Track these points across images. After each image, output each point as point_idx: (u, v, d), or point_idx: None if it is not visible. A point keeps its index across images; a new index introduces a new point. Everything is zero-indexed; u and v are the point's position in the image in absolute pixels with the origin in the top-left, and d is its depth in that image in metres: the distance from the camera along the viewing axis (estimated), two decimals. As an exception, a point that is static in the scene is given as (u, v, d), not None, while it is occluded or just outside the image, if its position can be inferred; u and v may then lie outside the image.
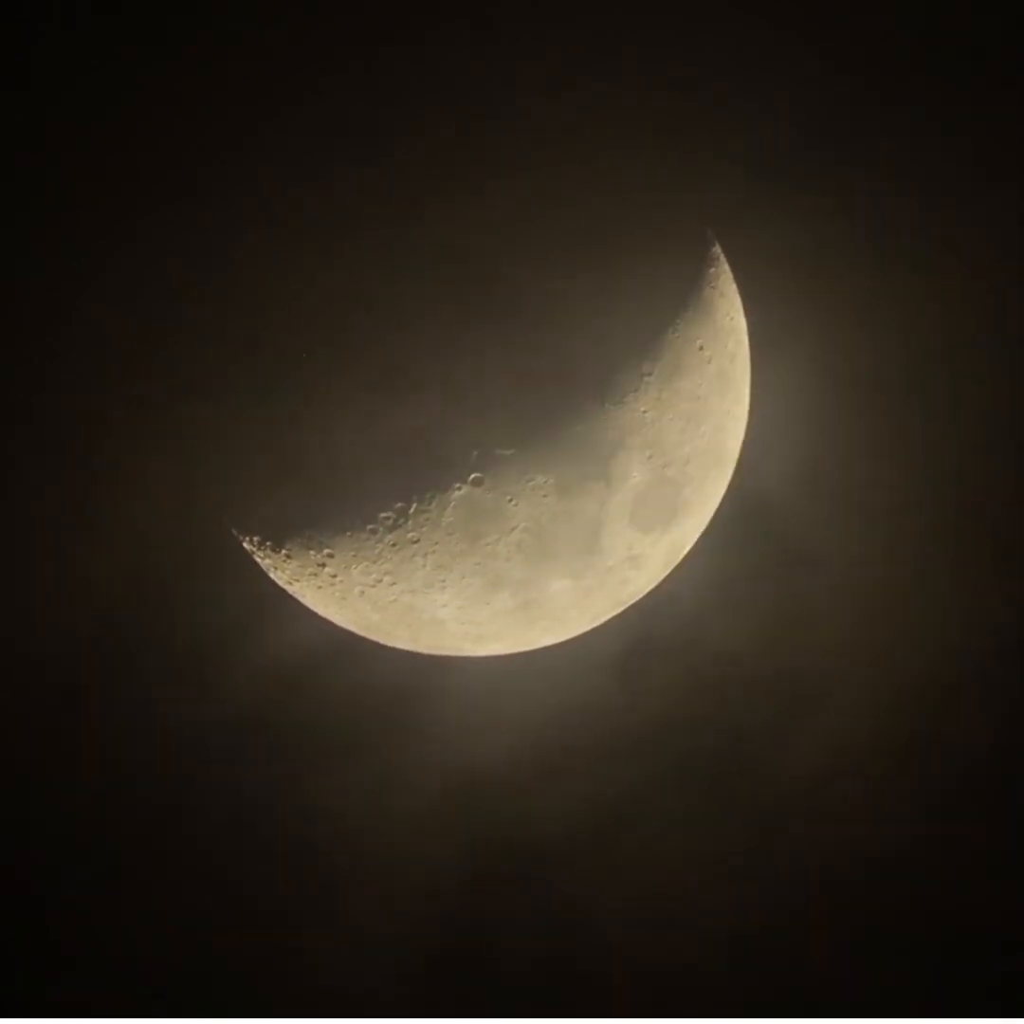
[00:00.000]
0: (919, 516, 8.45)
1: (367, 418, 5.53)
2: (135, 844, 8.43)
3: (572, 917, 8.85)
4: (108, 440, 7.76)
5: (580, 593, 6.12)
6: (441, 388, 5.46)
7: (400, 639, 6.51)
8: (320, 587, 6.23)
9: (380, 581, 5.97)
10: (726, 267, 6.40)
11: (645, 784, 8.65)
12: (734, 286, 6.49)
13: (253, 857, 8.54)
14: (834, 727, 8.65)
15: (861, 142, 7.87)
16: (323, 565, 6.03)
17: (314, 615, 6.73)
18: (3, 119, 7.25)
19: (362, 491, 5.66)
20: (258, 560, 6.49)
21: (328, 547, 5.92)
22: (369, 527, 5.75)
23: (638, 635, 8.08)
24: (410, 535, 5.73)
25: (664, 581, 6.71)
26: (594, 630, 6.77)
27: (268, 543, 6.21)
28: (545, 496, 5.66)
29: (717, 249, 6.33)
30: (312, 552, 6.00)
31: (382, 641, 6.62)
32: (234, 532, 6.48)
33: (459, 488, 5.60)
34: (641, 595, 6.64)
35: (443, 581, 5.90)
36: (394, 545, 5.78)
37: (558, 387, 5.54)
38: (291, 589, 6.56)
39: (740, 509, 7.52)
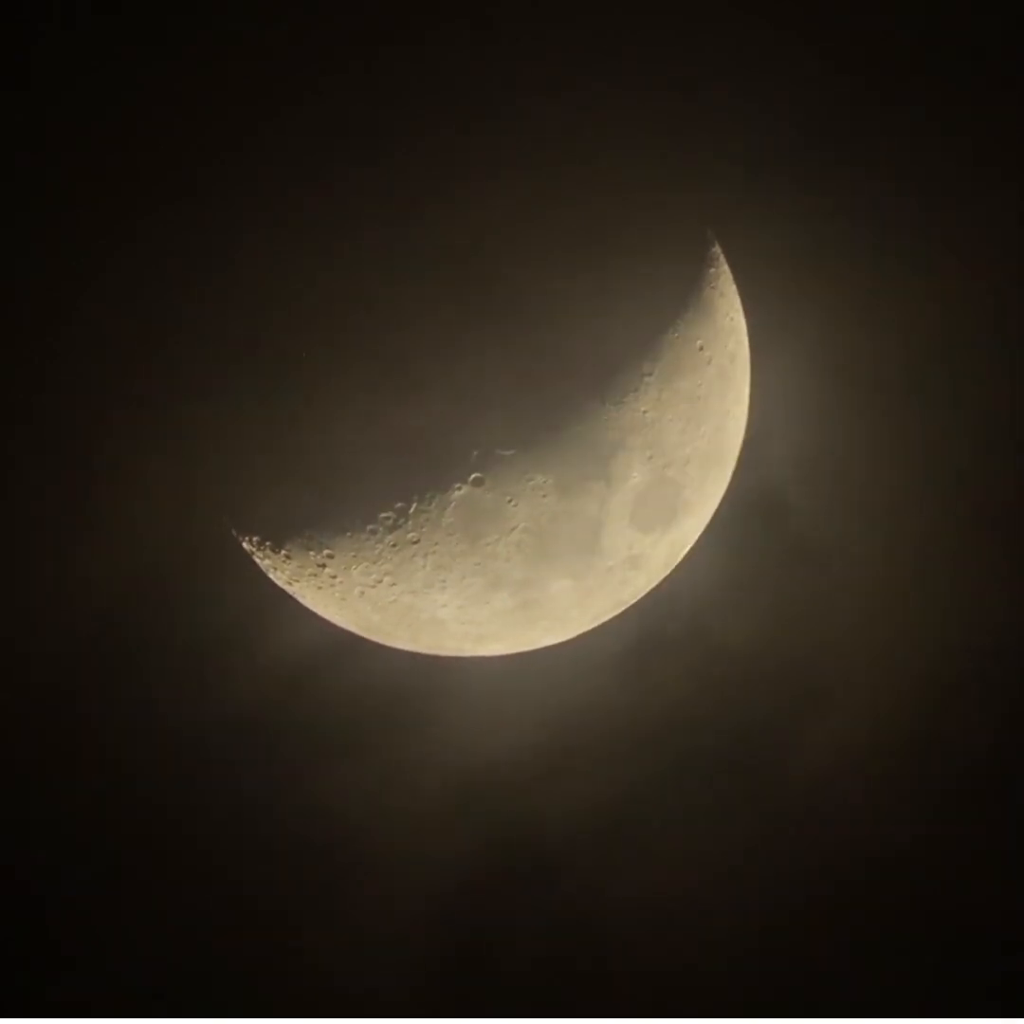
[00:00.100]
0: (919, 516, 8.45)
1: (367, 418, 5.52)
2: (135, 844, 8.43)
3: (572, 917, 8.86)
4: (108, 440, 7.76)
5: (580, 593, 6.12)
6: (441, 388, 5.46)
7: (400, 639, 6.51)
8: (320, 587, 6.23)
9: (380, 581, 5.97)
10: (726, 267, 6.39)
11: (645, 784, 8.65)
12: (734, 286, 6.49)
13: (253, 857, 8.54)
14: (834, 727, 8.65)
15: (861, 142, 7.87)
16: (323, 565, 6.03)
17: (314, 615, 6.73)
18: (3, 119, 7.25)
19: (362, 491, 5.66)
20: (258, 560, 6.48)
21: (328, 547, 5.92)
22: (369, 527, 5.75)
23: (637, 636, 8.08)
24: (410, 535, 5.73)
25: (664, 580, 6.71)
26: (593, 630, 6.77)
27: (268, 543, 6.21)
28: (545, 496, 5.66)
29: (717, 249, 6.33)
30: (312, 552, 6.00)
31: (382, 641, 6.62)
32: (234, 532, 6.47)
33: (459, 488, 5.60)
34: (641, 595, 6.64)
35: (443, 581, 5.90)
36: (394, 545, 5.78)
37: (558, 387, 5.53)
38: (291, 589, 6.56)
39: (739, 509, 7.53)
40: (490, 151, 5.70)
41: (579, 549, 5.88)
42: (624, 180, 5.93)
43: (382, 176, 5.59)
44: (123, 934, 8.52)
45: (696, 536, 6.66)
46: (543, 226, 5.58)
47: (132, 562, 7.96)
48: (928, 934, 8.67)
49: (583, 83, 6.23)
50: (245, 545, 6.45)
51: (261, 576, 6.64)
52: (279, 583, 6.59)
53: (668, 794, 8.67)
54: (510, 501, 5.65)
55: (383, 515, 5.69)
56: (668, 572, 6.64)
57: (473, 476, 5.58)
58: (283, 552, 6.15)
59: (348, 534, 5.81)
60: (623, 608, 6.67)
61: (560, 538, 5.79)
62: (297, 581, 6.34)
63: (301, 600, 6.64)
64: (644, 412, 5.78)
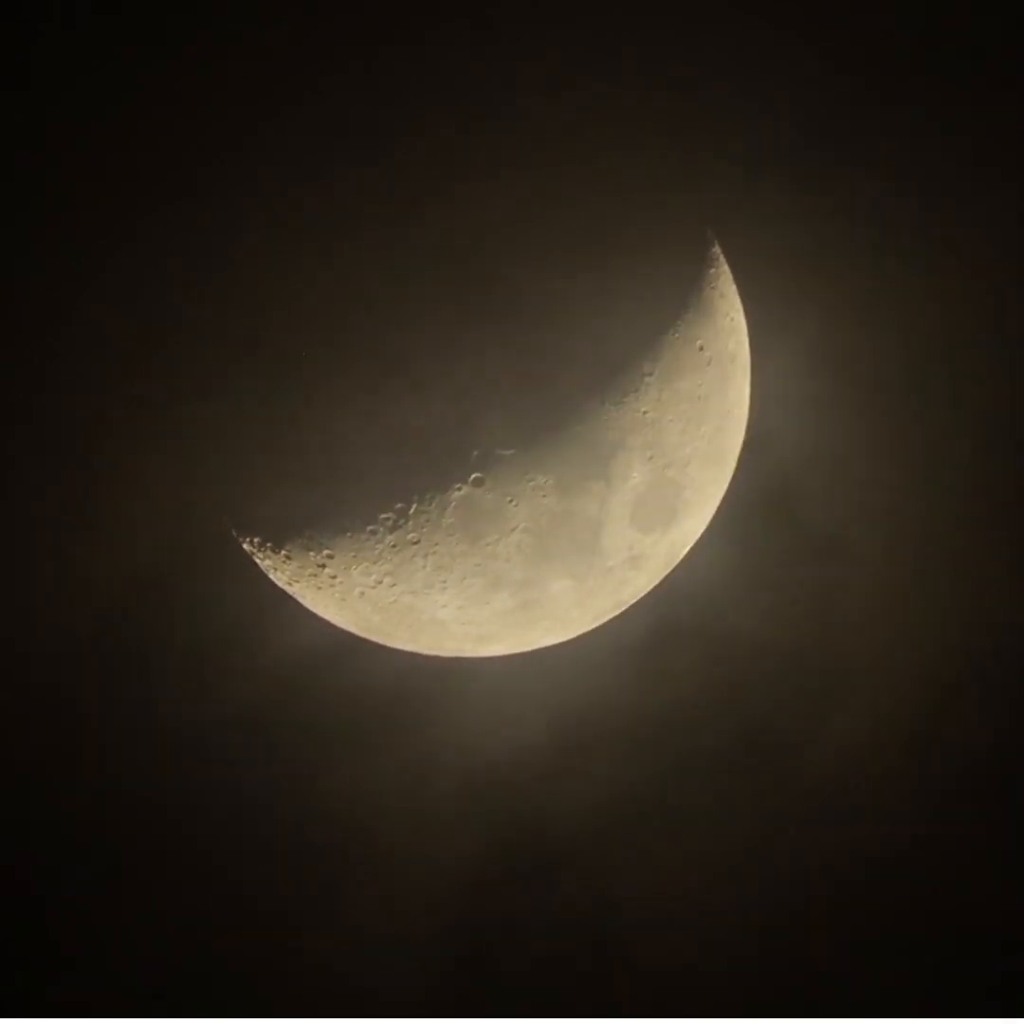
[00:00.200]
0: (919, 516, 8.45)
1: (367, 418, 5.52)
2: (135, 844, 8.43)
3: (571, 917, 8.86)
4: (108, 440, 7.76)
5: (580, 593, 6.12)
6: (441, 388, 5.46)
7: (400, 640, 6.51)
8: (320, 588, 6.23)
9: (380, 582, 5.97)
10: (726, 267, 6.39)
11: (645, 784, 8.65)
12: (734, 286, 6.49)
13: (253, 857, 8.54)
14: (834, 728, 8.65)
15: (861, 142, 7.87)
16: (323, 566, 6.03)
17: (314, 616, 6.72)
18: (3, 119, 7.25)
19: (362, 491, 5.66)
20: (258, 561, 6.48)
21: (328, 548, 5.92)
22: (369, 528, 5.75)
23: (636, 637, 8.08)
24: (410, 536, 5.73)
25: (664, 580, 6.71)
26: (593, 630, 6.77)
27: (268, 544, 6.21)
28: (545, 496, 5.66)
29: (717, 249, 6.33)
30: (312, 553, 6.00)
31: (382, 642, 6.62)
32: (234, 533, 6.47)
33: (459, 488, 5.60)
34: (641, 595, 6.64)
35: (443, 582, 5.90)
36: (394, 546, 5.78)
37: (558, 387, 5.53)
38: (291, 590, 6.56)
39: (739, 509, 7.52)
40: (490, 151, 5.69)
41: (579, 549, 5.88)
42: (624, 180, 5.93)
43: (382, 176, 5.59)
44: (123, 934, 8.52)
45: (696, 536, 6.66)
46: (543, 226, 5.58)
47: (132, 562, 7.96)
48: (928, 934, 8.67)
49: (583, 83, 6.23)
50: (245, 546, 6.45)
51: (261, 576, 6.64)
52: (279, 583, 6.59)
53: (668, 794, 8.68)
54: (510, 501, 5.65)
55: (383, 515, 5.69)
56: (668, 572, 6.64)
57: (473, 476, 5.58)
58: (283, 552, 6.15)
59: (348, 534, 5.81)
60: (623, 608, 6.67)
61: (560, 538, 5.79)
62: (297, 581, 6.34)
63: (301, 600, 6.63)
64: (644, 412, 5.78)
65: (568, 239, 5.60)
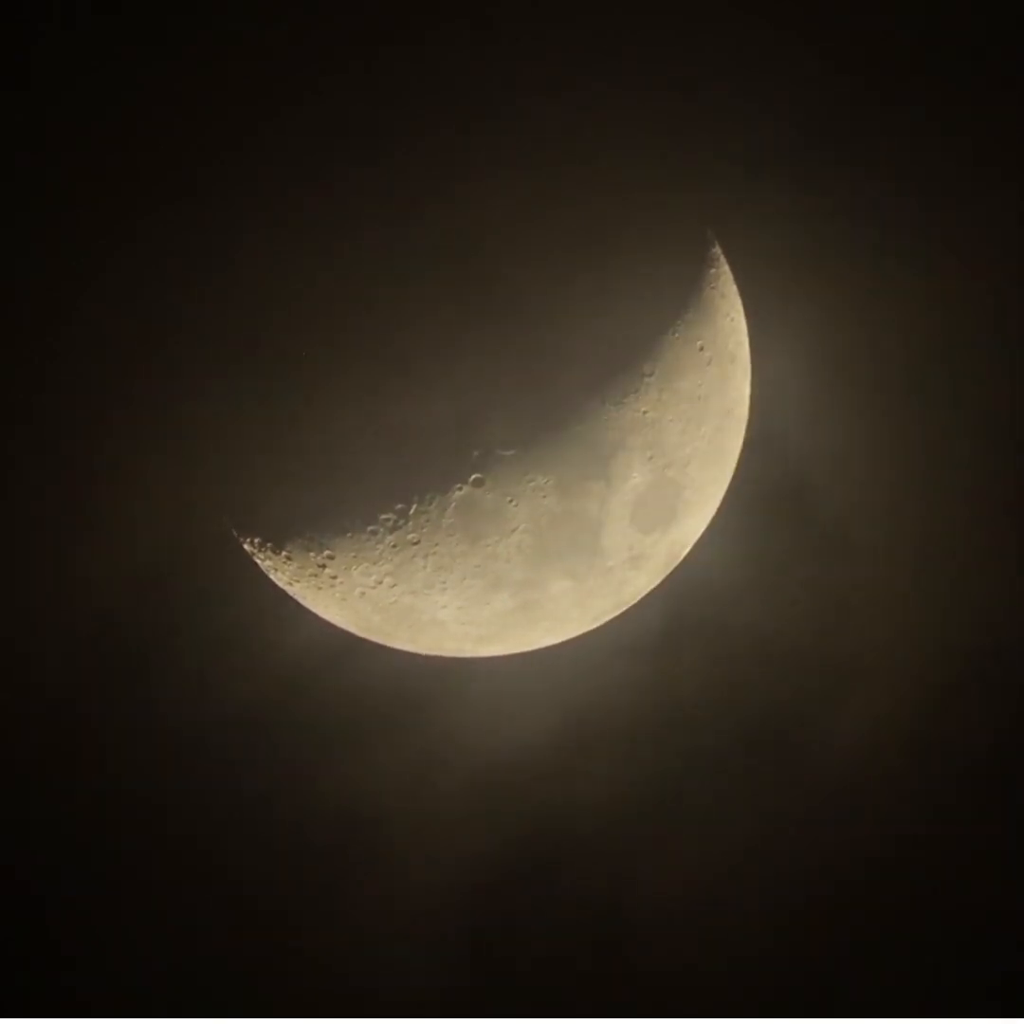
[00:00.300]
0: (919, 516, 8.45)
1: (367, 418, 5.52)
2: (135, 844, 8.43)
3: (571, 917, 8.86)
4: (108, 440, 7.76)
5: (581, 594, 6.12)
6: (442, 388, 5.46)
7: (400, 640, 6.51)
8: (320, 588, 6.22)
9: (380, 582, 5.97)
10: (726, 267, 6.39)
11: (645, 784, 8.65)
12: (734, 286, 6.49)
13: (253, 857, 8.54)
14: (834, 728, 8.65)
15: (861, 142, 7.87)
16: (323, 566, 6.03)
17: (314, 616, 6.72)
18: (3, 119, 7.25)
19: (362, 492, 5.66)
20: (258, 561, 6.48)
21: (328, 548, 5.92)
22: (369, 528, 5.75)
23: (636, 637, 8.08)
24: (410, 536, 5.73)
25: (664, 580, 6.71)
26: (593, 631, 6.77)
27: (268, 544, 6.21)
28: (545, 497, 5.66)
29: (717, 249, 6.33)
30: (312, 553, 6.00)
31: (382, 642, 6.62)
32: (234, 533, 6.47)
33: (459, 489, 5.60)
34: (642, 595, 6.64)
35: (443, 582, 5.89)
36: (394, 546, 5.78)
37: (558, 387, 5.53)
38: (291, 590, 6.56)
39: (739, 509, 7.52)
40: (490, 151, 5.69)
41: (579, 549, 5.88)
42: (624, 180, 5.93)
43: (382, 176, 5.59)
44: (123, 934, 8.52)
45: (697, 536, 6.66)
46: (543, 226, 5.58)
47: (132, 562, 7.96)
48: (928, 934, 8.67)
49: (583, 83, 6.23)
50: (246, 546, 6.45)
51: (262, 577, 6.64)
52: (280, 584, 6.59)
53: (668, 794, 8.68)
54: (510, 501, 5.65)
55: (383, 516, 5.69)
56: (668, 572, 6.64)
57: (473, 476, 5.58)
58: (283, 553, 6.15)
59: (348, 535, 5.81)
60: (623, 609, 6.67)
61: (560, 538, 5.79)
62: (297, 582, 6.34)
63: (301, 601, 6.63)
64: (644, 412, 5.78)
65: (568, 239, 5.60)
